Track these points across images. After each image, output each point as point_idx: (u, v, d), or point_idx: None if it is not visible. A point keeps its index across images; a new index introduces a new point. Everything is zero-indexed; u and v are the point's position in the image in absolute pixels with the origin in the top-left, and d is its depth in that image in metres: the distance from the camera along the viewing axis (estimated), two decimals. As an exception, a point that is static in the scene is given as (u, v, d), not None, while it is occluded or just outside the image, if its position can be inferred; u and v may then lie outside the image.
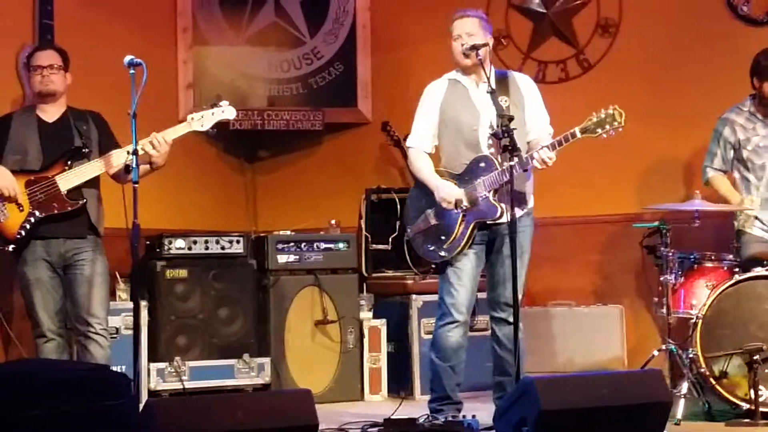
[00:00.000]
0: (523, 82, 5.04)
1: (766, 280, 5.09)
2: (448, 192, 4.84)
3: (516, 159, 4.59)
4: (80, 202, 4.93)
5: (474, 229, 4.85)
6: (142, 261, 5.62)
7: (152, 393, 5.76)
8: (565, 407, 4.00)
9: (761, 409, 4.87)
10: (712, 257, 5.40)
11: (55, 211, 4.90)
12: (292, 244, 6.22)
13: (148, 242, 5.98)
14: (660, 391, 4.24)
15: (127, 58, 4.55)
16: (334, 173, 7.30)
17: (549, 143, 4.73)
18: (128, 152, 4.63)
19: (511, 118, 4.62)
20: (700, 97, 6.34)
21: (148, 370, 5.77)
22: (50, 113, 5.10)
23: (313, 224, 6.82)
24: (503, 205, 4.78)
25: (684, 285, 5.35)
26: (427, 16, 6.73)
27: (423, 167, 4.98)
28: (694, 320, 5.14)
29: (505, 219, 4.78)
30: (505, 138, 4.57)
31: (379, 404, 6.04)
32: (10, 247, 4.89)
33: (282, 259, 6.19)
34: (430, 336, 5.27)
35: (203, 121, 4.91)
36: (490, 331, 5.03)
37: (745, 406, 4.94)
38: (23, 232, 4.88)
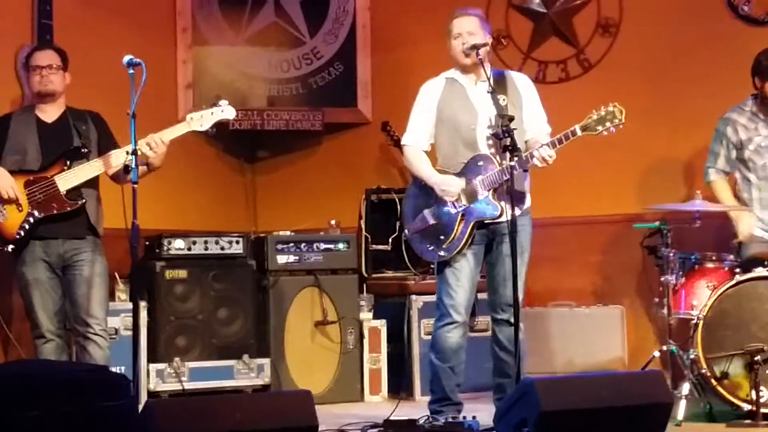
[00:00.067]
0: (520, 81, 5.03)
1: (767, 281, 5.07)
2: (449, 184, 4.82)
3: (516, 159, 4.59)
4: (79, 203, 4.92)
5: (474, 229, 4.84)
6: (141, 261, 5.61)
7: (152, 394, 5.75)
8: (566, 408, 3.99)
9: (762, 410, 4.86)
10: (713, 258, 5.38)
11: (55, 212, 4.89)
12: (291, 244, 6.21)
13: (147, 243, 5.97)
14: (661, 392, 4.23)
15: (127, 58, 4.54)
16: (334, 173, 7.29)
17: (549, 141, 4.72)
18: (127, 152, 4.61)
19: (511, 118, 4.62)
20: (701, 97, 6.33)
21: (148, 370, 5.76)
22: (49, 113, 5.09)
23: (313, 224, 6.81)
24: (503, 204, 4.77)
25: (685, 285, 5.34)
26: (427, 15, 6.72)
27: (422, 165, 4.97)
28: (695, 321, 5.13)
29: (504, 218, 4.77)
30: (505, 138, 4.56)
31: (379, 405, 6.03)
32: (9, 248, 4.88)
33: (282, 259, 6.18)
34: (431, 336, 5.25)
35: (203, 120, 4.89)
36: (490, 333, 5.01)
37: (747, 407, 4.93)
38: (22, 233, 4.87)
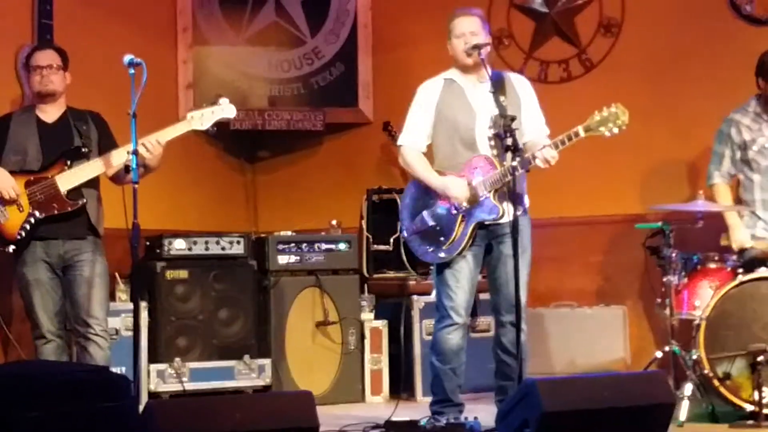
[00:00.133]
0: (519, 83, 5.02)
1: (769, 281, 5.07)
2: (455, 189, 4.79)
3: (518, 159, 4.58)
4: (80, 203, 4.90)
5: (475, 230, 4.82)
6: (142, 262, 5.61)
7: (152, 394, 5.74)
8: (568, 409, 3.98)
9: (765, 410, 4.85)
10: (716, 258, 5.38)
11: (55, 212, 4.88)
12: (292, 244, 6.20)
13: (148, 243, 5.96)
14: (663, 392, 4.22)
15: (127, 58, 4.53)
16: (335, 173, 7.28)
17: (552, 142, 4.71)
18: (128, 152, 4.60)
19: (513, 118, 4.61)
20: (704, 97, 6.32)
21: (148, 371, 5.75)
22: (50, 113, 5.08)
23: (314, 225, 6.80)
24: (504, 206, 4.76)
25: (687, 286, 5.33)
26: (428, 15, 6.70)
27: (422, 167, 4.94)
28: (697, 321, 5.12)
29: (505, 219, 4.76)
30: (507, 138, 4.55)
31: (380, 406, 6.02)
32: (11, 248, 4.87)
33: (283, 259, 6.17)
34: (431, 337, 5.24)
35: (203, 119, 4.88)
36: (493, 335, 5.00)
37: (749, 407, 4.92)
38: (23, 233, 4.86)
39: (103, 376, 3.78)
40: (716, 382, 5.00)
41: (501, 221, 4.80)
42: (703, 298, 5.23)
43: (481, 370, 5.38)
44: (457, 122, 4.88)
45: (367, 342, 6.24)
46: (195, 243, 5.99)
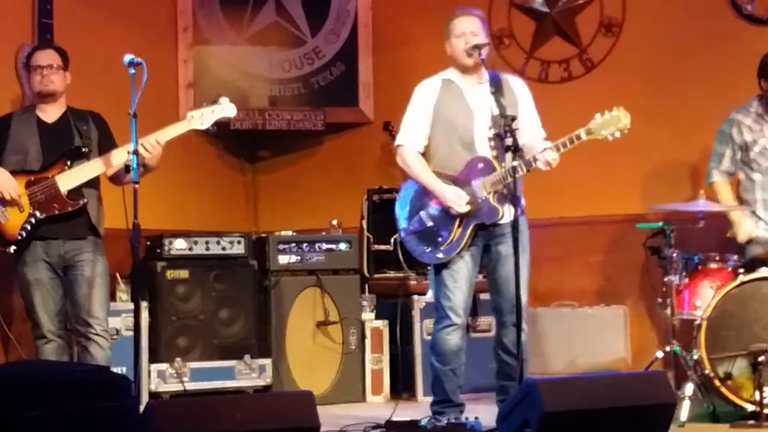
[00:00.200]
0: (516, 85, 5.01)
1: (770, 281, 5.07)
2: (456, 198, 4.77)
3: (519, 159, 4.57)
4: (80, 203, 4.90)
5: (473, 231, 4.81)
6: (142, 262, 5.60)
7: (153, 394, 5.73)
8: (569, 409, 3.98)
9: (766, 410, 4.84)
10: (717, 258, 5.37)
11: (56, 212, 4.87)
12: (293, 244, 6.20)
13: (148, 243, 5.96)
14: (664, 392, 4.22)
15: (127, 58, 4.52)
16: (336, 173, 7.28)
17: (553, 144, 4.70)
18: (128, 152, 4.60)
19: (513, 118, 4.59)
20: (704, 97, 6.31)
21: (149, 371, 5.74)
22: (50, 113, 5.08)
23: (315, 225, 6.80)
24: (504, 207, 4.75)
25: (688, 286, 5.33)
26: (428, 15, 6.69)
27: (420, 168, 4.92)
28: (698, 321, 5.12)
29: (504, 220, 4.76)
30: (508, 138, 4.54)
31: (380, 406, 6.01)
32: (11, 248, 4.87)
33: (283, 259, 6.17)
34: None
35: (203, 118, 4.87)
36: (495, 336, 4.99)
37: (750, 407, 4.92)
38: (24, 233, 4.86)
39: (103, 376, 3.77)
40: (717, 382, 5.00)
41: (500, 222, 4.79)
42: (704, 298, 5.23)
43: (482, 370, 5.37)
44: (456, 123, 4.86)
45: (367, 342, 6.23)
46: (195, 243, 5.98)
